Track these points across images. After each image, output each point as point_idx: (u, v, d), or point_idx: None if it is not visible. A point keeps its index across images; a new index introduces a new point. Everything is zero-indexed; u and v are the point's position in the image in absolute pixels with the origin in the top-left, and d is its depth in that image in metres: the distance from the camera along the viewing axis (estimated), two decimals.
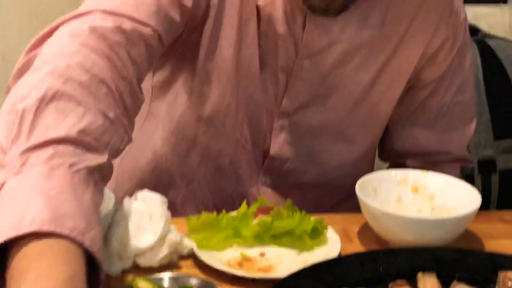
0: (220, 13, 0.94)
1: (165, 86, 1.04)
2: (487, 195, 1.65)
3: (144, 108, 1.03)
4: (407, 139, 1.11)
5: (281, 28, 0.96)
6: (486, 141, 1.63)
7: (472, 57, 1.16)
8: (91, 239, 0.58)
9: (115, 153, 0.72)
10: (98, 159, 0.66)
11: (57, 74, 0.68)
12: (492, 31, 1.76)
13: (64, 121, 0.64)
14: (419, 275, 0.75)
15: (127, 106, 0.75)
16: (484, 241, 0.94)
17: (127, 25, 0.79)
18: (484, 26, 1.77)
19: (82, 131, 0.65)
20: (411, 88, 1.07)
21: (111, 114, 0.70)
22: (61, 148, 0.62)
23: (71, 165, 0.61)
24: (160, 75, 1.04)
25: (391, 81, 1.03)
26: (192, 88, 1.00)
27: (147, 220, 0.83)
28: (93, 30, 0.76)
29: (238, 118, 1.01)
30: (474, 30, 1.72)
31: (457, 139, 1.12)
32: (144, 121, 1.09)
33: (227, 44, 0.96)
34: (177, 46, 0.95)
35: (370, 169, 1.17)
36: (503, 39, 1.69)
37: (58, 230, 0.55)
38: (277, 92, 1.00)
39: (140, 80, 0.81)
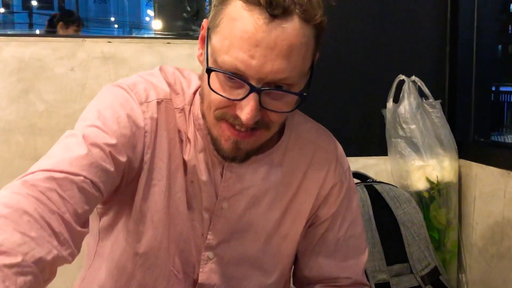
0: (152, 166, 0.98)
1: (109, 228, 1.07)
2: None
3: (93, 248, 1.11)
4: (313, 267, 1.16)
5: (203, 176, 1.02)
6: (380, 267, 1.79)
7: (359, 199, 1.26)
8: None
9: (40, 262, 0.74)
10: (9, 260, 0.70)
11: None
12: (379, 177, 1.99)
13: None
14: None
15: (56, 232, 0.78)
16: None
17: (59, 175, 0.83)
18: (372, 173, 2.00)
19: None
20: (311, 224, 1.15)
21: (33, 234, 0.74)
22: None
23: None
24: (105, 220, 1.08)
25: (294, 218, 1.11)
26: (130, 228, 1.02)
27: None
28: (25, 182, 0.81)
29: (170, 252, 1.04)
30: (364, 177, 1.94)
31: (354, 266, 1.18)
32: (92, 260, 1.12)
33: (159, 190, 1.00)
34: (118, 194, 1.00)
35: None
36: (386, 183, 1.92)
37: None
38: (203, 229, 1.05)
39: (76, 215, 0.83)
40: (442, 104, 2.04)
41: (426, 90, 2.03)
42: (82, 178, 0.85)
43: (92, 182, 0.87)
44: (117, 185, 0.96)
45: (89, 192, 0.86)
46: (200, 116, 1.00)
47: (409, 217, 1.85)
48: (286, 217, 1.10)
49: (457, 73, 2.11)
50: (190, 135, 1.02)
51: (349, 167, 1.17)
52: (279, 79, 0.86)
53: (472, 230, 1.99)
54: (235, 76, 0.86)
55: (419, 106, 1.98)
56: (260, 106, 0.87)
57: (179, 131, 1.01)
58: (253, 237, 1.08)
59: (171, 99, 1.01)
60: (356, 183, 1.89)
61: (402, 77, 2.02)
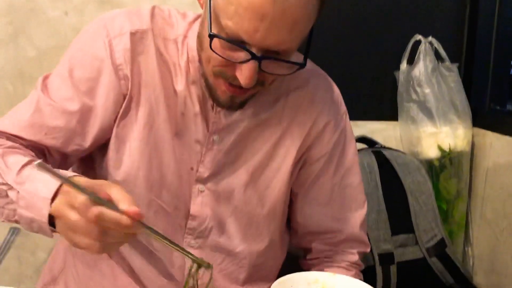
0: (131, 96, 0.96)
1: (93, 157, 1.04)
2: (387, 284, 1.60)
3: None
4: (307, 215, 1.10)
5: (195, 108, 0.98)
6: (385, 236, 1.60)
7: (356, 148, 1.13)
8: None
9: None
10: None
11: None
12: (387, 143, 1.77)
13: None
14: None
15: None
16: None
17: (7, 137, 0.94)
18: (380, 138, 1.78)
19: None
20: (304, 165, 1.08)
21: None
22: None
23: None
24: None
25: (285, 154, 1.04)
26: (110, 156, 0.99)
27: None
28: None
29: (151, 182, 0.99)
30: (372, 142, 1.73)
31: (352, 219, 1.10)
32: None
33: (138, 119, 0.97)
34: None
35: (282, 251, 1.15)
36: (395, 150, 1.70)
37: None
38: (193, 162, 1.00)
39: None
40: (459, 68, 1.80)
41: (443, 52, 1.80)
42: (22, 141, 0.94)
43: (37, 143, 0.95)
44: (110, 122, 0.96)
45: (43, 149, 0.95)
46: (194, 48, 0.96)
47: (417, 186, 1.65)
48: (276, 152, 1.04)
49: (476, 37, 1.86)
50: (183, 66, 0.98)
51: (345, 112, 1.11)
52: (281, 49, 0.84)
53: (483, 202, 1.78)
54: (237, 44, 0.83)
55: (435, 69, 1.75)
56: (259, 70, 0.84)
57: (169, 62, 0.98)
58: (243, 170, 1.03)
59: (153, 29, 0.98)
60: (364, 149, 1.69)
61: (418, 37, 1.79)
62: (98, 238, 0.72)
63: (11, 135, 0.94)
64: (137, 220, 0.72)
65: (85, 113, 0.95)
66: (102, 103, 0.95)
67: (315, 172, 1.08)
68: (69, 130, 0.95)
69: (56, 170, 0.73)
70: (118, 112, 0.97)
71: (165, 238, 0.79)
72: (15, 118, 0.96)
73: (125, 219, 0.71)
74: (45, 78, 0.99)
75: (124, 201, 0.72)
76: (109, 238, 0.73)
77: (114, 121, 0.97)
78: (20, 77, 1.64)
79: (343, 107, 1.11)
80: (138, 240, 1.01)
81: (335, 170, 1.08)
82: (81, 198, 0.71)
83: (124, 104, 0.96)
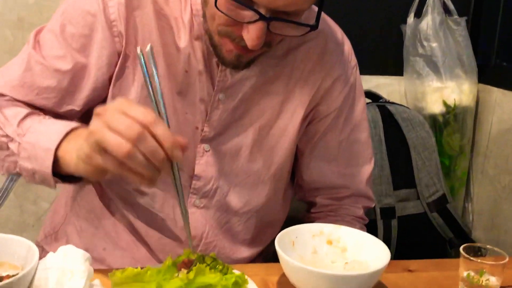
0: (126, 53, 0.90)
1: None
2: (388, 237, 1.57)
3: None
4: (313, 171, 1.05)
5: (199, 65, 0.92)
6: (387, 191, 1.57)
7: (365, 104, 1.08)
8: None
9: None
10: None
11: None
12: (391, 98, 1.71)
13: None
14: None
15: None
16: None
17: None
18: (384, 93, 1.72)
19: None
20: (312, 121, 1.03)
21: None
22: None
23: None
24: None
25: (293, 111, 0.99)
26: None
27: (68, 277, 0.69)
28: None
29: None
30: (376, 97, 1.67)
31: (358, 175, 1.07)
32: None
33: (135, 77, 0.91)
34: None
35: (285, 207, 1.11)
36: (400, 105, 1.64)
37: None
38: (198, 121, 0.94)
39: None
40: (467, 22, 1.73)
41: (451, 5, 1.72)
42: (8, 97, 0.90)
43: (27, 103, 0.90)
44: (104, 82, 0.91)
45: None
46: (199, 1, 0.89)
47: (421, 141, 1.60)
48: (284, 110, 0.99)
49: None
50: (186, 21, 0.90)
51: (356, 66, 1.05)
52: (291, 10, 0.77)
53: (485, 158, 1.75)
54: (244, 4, 0.76)
55: (443, 23, 1.68)
56: (267, 30, 0.78)
57: (170, 17, 0.90)
58: (250, 129, 0.97)
59: None
60: (368, 103, 1.62)
61: None
62: (133, 139, 0.66)
63: (1, 94, 0.90)
64: (179, 153, 0.69)
65: (77, 72, 0.90)
66: (95, 62, 0.89)
67: (323, 128, 1.03)
68: (61, 90, 0.90)
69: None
70: (113, 72, 0.91)
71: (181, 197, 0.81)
72: (6, 77, 0.91)
73: (172, 140, 0.68)
74: (38, 32, 0.92)
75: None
76: (142, 147, 0.67)
77: (110, 81, 0.91)
78: (19, 24, 1.57)
79: (354, 61, 1.05)
80: (139, 202, 0.98)
81: (343, 125, 1.03)
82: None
83: (119, 63, 0.90)
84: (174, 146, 0.68)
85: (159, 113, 0.74)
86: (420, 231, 1.63)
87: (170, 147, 0.68)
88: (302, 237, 0.86)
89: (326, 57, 0.99)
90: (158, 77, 0.75)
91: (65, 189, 1.10)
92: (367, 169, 1.08)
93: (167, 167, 0.72)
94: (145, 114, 0.67)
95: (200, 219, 0.98)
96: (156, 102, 0.75)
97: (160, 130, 0.67)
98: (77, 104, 0.92)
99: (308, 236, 0.87)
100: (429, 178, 1.62)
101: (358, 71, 1.05)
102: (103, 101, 0.93)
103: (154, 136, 0.67)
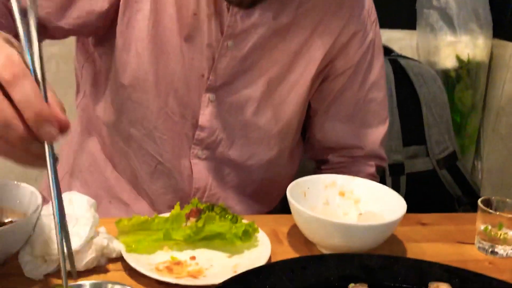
0: None
1: (98, 58, 0.95)
2: None
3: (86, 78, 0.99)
4: (327, 131, 1.01)
5: (208, 8, 0.86)
6: (397, 147, 1.53)
7: (384, 61, 1.03)
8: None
9: None
10: None
11: None
12: (403, 52, 1.66)
13: None
14: (351, 286, 0.60)
15: None
16: (406, 244, 0.81)
17: None
18: (396, 47, 1.66)
19: None
20: (327, 77, 0.98)
21: None
22: None
23: None
24: (97, 50, 0.95)
25: (305, 65, 0.94)
26: (116, 59, 0.90)
27: (73, 223, 0.66)
28: None
29: (159, 88, 0.89)
30: (388, 51, 1.61)
31: (372, 135, 1.02)
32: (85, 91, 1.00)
33: (142, 16, 0.86)
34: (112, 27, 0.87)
35: (293, 165, 1.07)
36: (412, 59, 1.59)
37: None
38: (203, 69, 0.89)
39: None
40: None
41: None
42: None
43: None
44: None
45: None
46: None
47: (432, 97, 1.56)
48: (296, 63, 0.93)
49: None
50: None
51: (376, 21, 0.99)
52: None
53: (497, 116, 1.70)
54: None
55: None
56: None
57: None
58: (258, 81, 0.91)
59: None
60: None
61: None
62: None
63: None
64: (51, 130, 0.47)
65: None
66: None
67: (339, 86, 0.98)
68: (58, 2, 0.84)
69: None
70: (115, 2, 0.85)
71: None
72: None
73: (39, 109, 0.46)
74: None
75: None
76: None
77: (109, 15, 0.86)
78: None
79: (374, 15, 0.98)
80: (147, 149, 0.94)
81: (360, 84, 0.98)
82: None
83: None
84: (42, 119, 0.46)
85: (37, 82, 0.48)
86: (429, 188, 1.60)
87: (34, 119, 0.46)
88: (314, 188, 0.83)
89: (344, 9, 0.93)
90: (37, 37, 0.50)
91: (67, 143, 1.06)
92: (382, 129, 1.03)
93: (25, 146, 0.48)
94: (6, 64, 0.46)
95: (202, 171, 0.95)
96: (34, 69, 0.49)
97: (22, 91, 0.46)
98: (67, 22, 0.85)
99: (321, 187, 0.84)
100: (439, 135, 1.57)
101: (378, 27, 0.99)
102: (107, 39, 0.89)
103: (10, 100, 0.46)
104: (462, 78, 1.64)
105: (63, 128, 0.48)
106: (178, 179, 0.95)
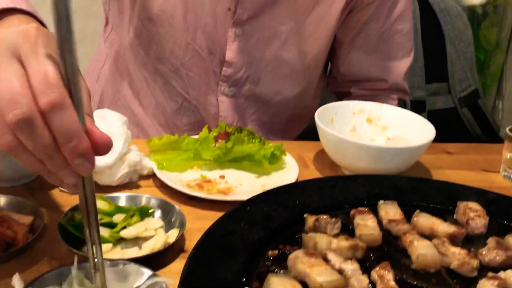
0: None
1: None
2: None
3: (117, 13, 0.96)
4: (351, 63, 1.00)
5: None
6: (419, 83, 1.50)
7: (411, 0, 1.01)
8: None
9: None
10: None
11: None
12: None
13: None
14: (381, 202, 0.60)
15: None
16: (431, 171, 0.81)
17: None
18: None
19: None
20: (353, 8, 0.95)
21: None
22: None
23: None
24: None
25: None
26: None
27: None
28: None
29: (188, 23, 0.88)
30: None
31: (396, 68, 1.01)
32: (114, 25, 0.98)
33: None
34: None
35: (317, 97, 1.06)
36: None
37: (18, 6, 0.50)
38: (231, 1, 0.87)
39: None
40: None
41: None
42: None
43: None
44: None
45: None
46: None
47: (457, 33, 1.51)
48: None
49: None
50: None
51: None
52: None
53: None
54: None
55: None
56: None
57: None
58: (286, 14, 0.89)
59: None
60: None
61: None
62: (10, 122, 0.41)
63: None
64: (84, 165, 0.42)
65: None
66: None
67: (365, 17, 0.95)
68: None
69: None
70: None
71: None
72: None
73: (78, 141, 0.41)
74: None
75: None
76: (23, 137, 0.42)
77: None
78: None
79: None
80: (173, 85, 0.93)
81: (387, 15, 0.96)
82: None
83: None
84: (77, 153, 0.41)
85: (69, 89, 0.41)
86: (449, 126, 1.57)
87: (70, 152, 0.41)
88: (341, 114, 0.82)
89: None
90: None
91: (89, 77, 1.05)
92: (406, 62, 1.02)
93: (60, 169, 0.43)
94: (47, 83, 0.41)
95: (229, 108, 0.94)
96: (66, 66, 0.41)
97: (60, 122, 0.41)
98: None
99: (348, 114, 0.83)
100: (462, 73, 1.54)
101: None
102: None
103: (48, 126, 0.41)
104: (489, 14, 1.58)
105: (104, 147, 0.43)
106: (204, 116, 0.95)
